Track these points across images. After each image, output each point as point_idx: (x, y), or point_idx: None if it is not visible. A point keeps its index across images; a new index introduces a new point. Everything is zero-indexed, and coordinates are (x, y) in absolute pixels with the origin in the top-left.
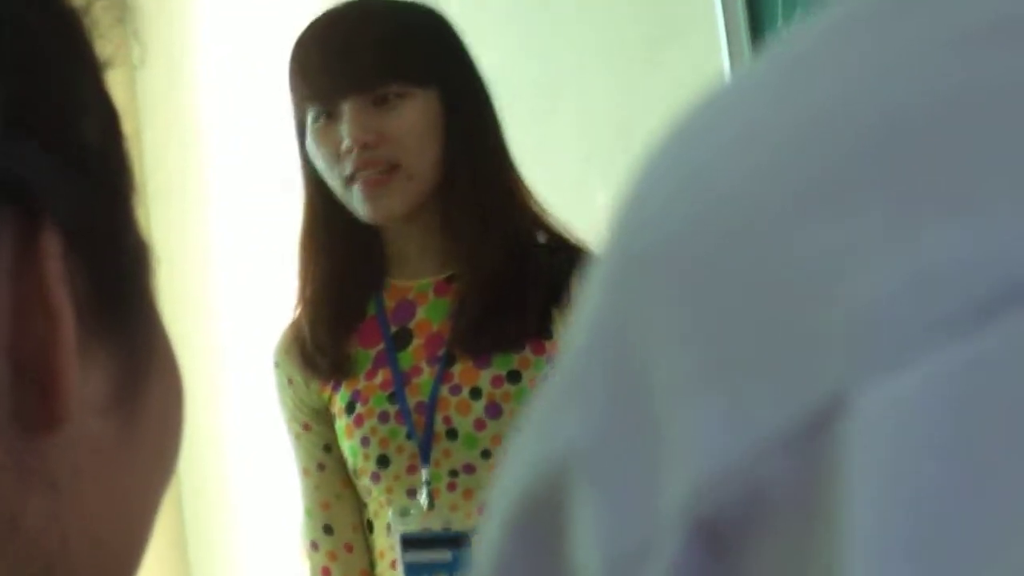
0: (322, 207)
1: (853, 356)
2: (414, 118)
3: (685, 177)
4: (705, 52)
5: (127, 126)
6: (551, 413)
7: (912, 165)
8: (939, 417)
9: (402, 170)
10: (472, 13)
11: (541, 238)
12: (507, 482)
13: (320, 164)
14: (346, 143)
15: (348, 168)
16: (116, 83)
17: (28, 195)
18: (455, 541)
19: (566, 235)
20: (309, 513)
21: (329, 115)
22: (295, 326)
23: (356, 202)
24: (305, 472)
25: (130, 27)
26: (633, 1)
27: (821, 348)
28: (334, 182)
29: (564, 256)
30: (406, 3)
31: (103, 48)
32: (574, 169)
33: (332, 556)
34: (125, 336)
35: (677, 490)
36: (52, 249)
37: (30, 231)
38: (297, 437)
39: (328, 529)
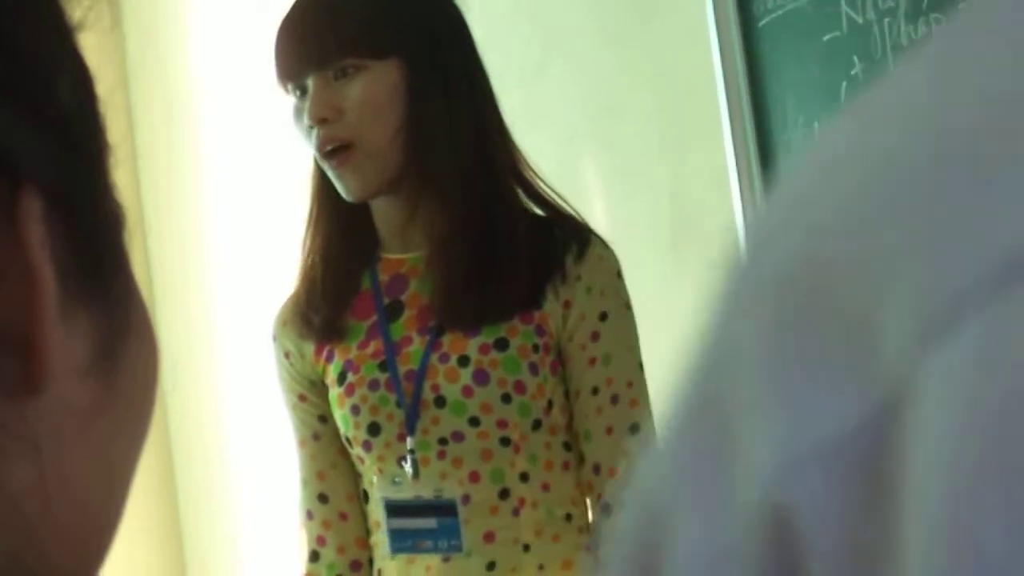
0: (321, 182)
1: (911, 342)
2: (370, 92)
3: (780, 211)
4: (690, 29)
5: (109, 84)
6: (660, 456)
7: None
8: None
9: (357, 148)
10: None
11: (538, 210)
12: (621, 526)
13: (301, 138)
14: (305, 121)
15: (315, 143)
16: (104, 49)
17: (6, 157)
18: (440, 509)
19: (563, 208)
20: (305, 483)
21: (303, 92)
22: (292, 298)
23: (334, 181)
24: (301, 443)
25: None
26: None
27: (877, 349)
28: (315, 156)
29: (560, 229)
30: None
31: (74, 10)
32: (562, 146)
33: (327, 525)
34: (104, 298)
35: (749, 488)
36: (32, 212)
37: (9, 194)
38: (293, 408)
39: (323, 498)
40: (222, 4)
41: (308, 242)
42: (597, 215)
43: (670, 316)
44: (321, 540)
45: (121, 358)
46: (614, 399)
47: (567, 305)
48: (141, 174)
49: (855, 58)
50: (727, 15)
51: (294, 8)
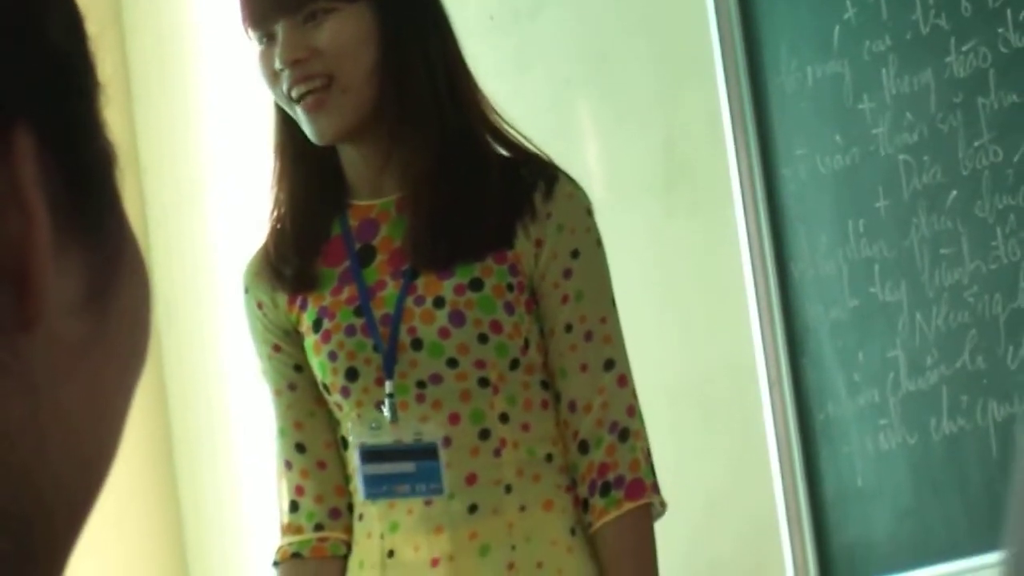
0: (286, 131)
1: None
2: (343, 31)
3: None
4: None
5: (110, 31)
6: None
7: None
8: None
9: (336, 82)
10: None
11: (504, 151)
12: None
13: (267, 89)
14: (276, 63)
15: (285, 87)
16: None
17: None
18: (419, 452)
19: (529, 148)
20: (282, 432)
21: (269, 39)
22: (263, 249)
23: (303, 125)
24: (277, 393)
25: None
26: None
27: None
28: (283, 105)
29: (527, 169)
30: None
31: None
32: (557, 89)
33: (305, 474)
34: (97, 235)
35: None
36: (25, 149)
37: (2, 132)
38: (268, 359)
39: (300, 447)
40: None
41: (275, 193)
42: (591, 158)
43: (663, 258)
44: (300, 490)
45: (114, 294)
46: (587, 336)
47: (539, 244)
48: (135, 113)
49: (847, 2)
50: None
51: None
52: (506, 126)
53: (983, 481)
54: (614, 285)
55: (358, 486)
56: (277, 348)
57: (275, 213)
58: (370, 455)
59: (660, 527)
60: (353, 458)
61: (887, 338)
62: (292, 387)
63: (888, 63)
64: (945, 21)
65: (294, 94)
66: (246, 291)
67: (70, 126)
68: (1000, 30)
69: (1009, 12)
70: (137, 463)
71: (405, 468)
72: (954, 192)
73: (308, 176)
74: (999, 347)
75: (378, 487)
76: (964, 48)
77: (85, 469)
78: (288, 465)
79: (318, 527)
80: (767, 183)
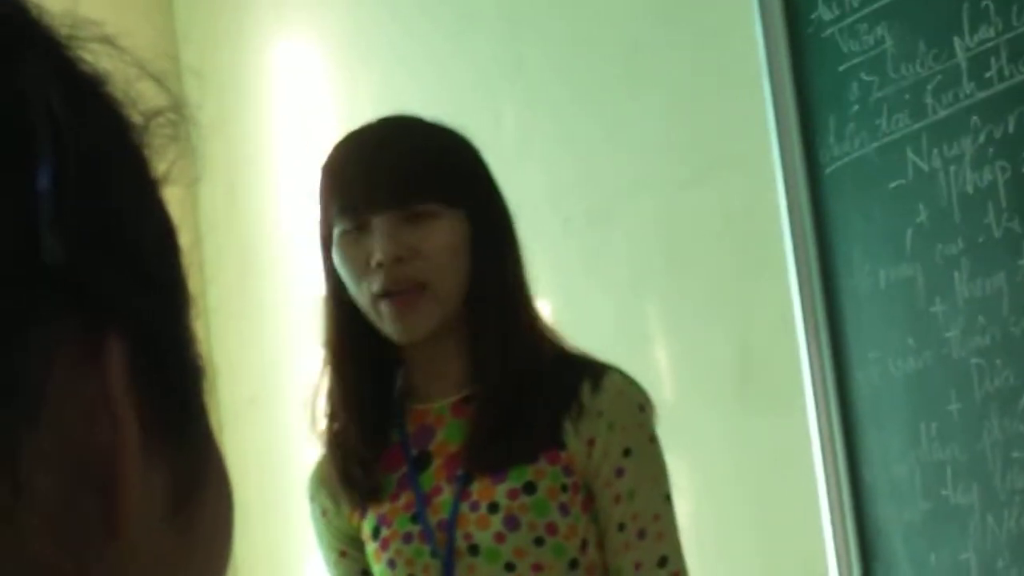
0: (347, 327)
1: None
2: (445, 237)
3: None
4: (756, 176)
5: (186, 239)
6: None
7: None
8: None
9: (430, 290)
10: (524, 134)
11: (548, 354)
12: None
13: (346, 278)
14: (377, 257)
15: (376, 284)
16: (175, 197)
17: (93, 303)
18: None
19: (573, 350)
20: None
21: (359, 229)
22: (327, 459)
23: (384, 321)
24: None
25: (187, 144)
26: (678, 128)
27: None
28: (361, 298)
29: (573, 370)
30: (434, 123)
31: (160, 164)
32: (625, 292)
33: None
34: (181, 447)
35: None
36: (117, 357)
37: (96, 339)
38: (336, 565)
39: None
40: (291, 147)
41: (331, 399)
42: (661, 362)
43: (735, 459)
44: None
45: (198, 508)
46: (640, 534)
47: (591, 443)
48: (212, 324)
49: (920, 206)
50: (794, 165)
51: (357, 142)
52: (553, 331)
53: None
54: (691, 486)
55: None
56: (343, 554)
57: (334, 424)
58: None
59: None
60: None
61: (959, 541)
62: None
63: (960, 266)
64: (1018, 224)
65: (385, 290)
66: (311, 499)
67: (161, 337)
68: None
69: None
70: None
71: None
72: None
73: (364, 381)
74: None
75: None
76: None
77: None
78: None
79: None
80: (839, 385)
